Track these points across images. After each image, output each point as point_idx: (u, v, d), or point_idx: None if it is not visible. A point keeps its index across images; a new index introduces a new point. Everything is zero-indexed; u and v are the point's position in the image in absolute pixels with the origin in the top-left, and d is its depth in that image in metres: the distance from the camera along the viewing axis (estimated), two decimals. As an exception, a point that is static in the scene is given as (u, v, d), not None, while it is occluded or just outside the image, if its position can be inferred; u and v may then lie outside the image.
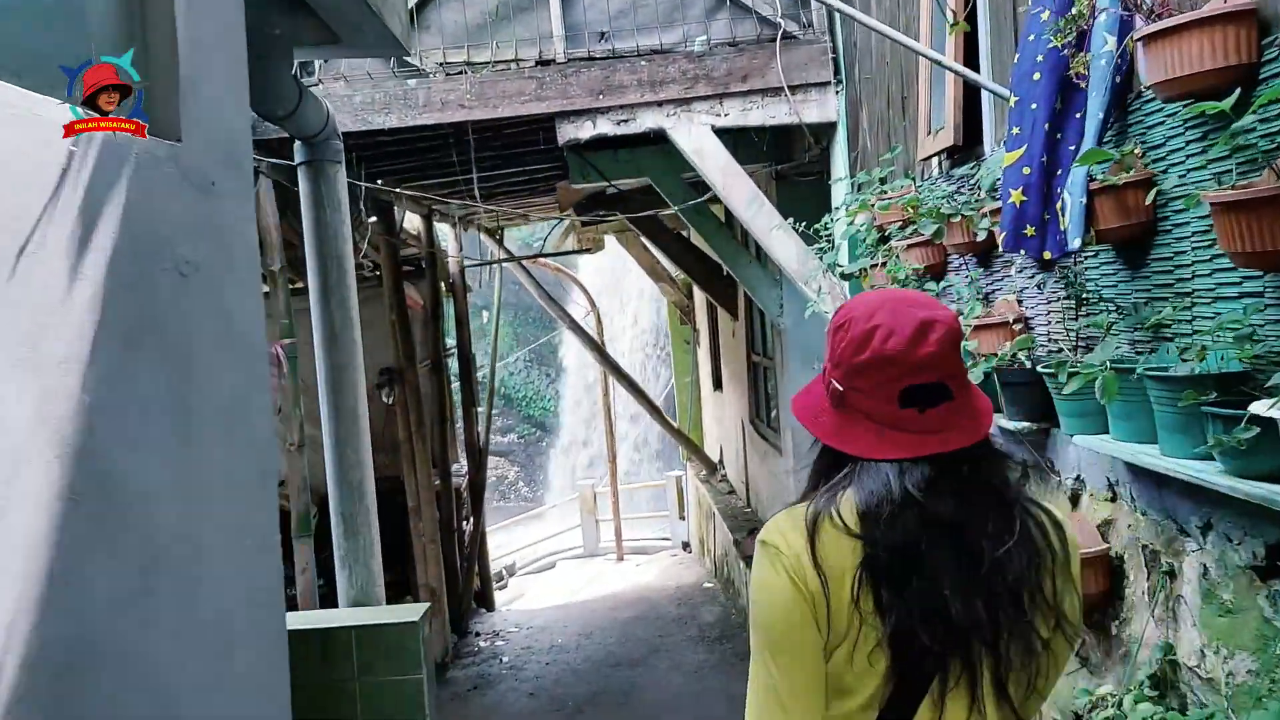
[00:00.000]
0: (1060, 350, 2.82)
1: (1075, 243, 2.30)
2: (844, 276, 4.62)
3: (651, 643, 8.15)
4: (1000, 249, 2.62)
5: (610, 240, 12.32)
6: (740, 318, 9.38)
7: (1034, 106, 2.54)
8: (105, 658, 1.30)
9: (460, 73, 5.10)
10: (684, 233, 9.79)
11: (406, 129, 5.18)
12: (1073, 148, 2.45)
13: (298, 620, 2.99)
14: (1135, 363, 2.23)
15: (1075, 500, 2.74)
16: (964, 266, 3.62)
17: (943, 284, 3.72)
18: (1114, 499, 2.52)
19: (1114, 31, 2.24)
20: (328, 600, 4.70)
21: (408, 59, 5.08)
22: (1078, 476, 2.72)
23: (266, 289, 5.89)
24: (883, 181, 4.33)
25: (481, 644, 8.60)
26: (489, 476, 10.82)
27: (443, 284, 9.41)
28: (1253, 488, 1.77)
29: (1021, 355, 2.93)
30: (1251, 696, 1.91)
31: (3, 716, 1.11)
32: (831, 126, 5.17)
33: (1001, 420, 2.98)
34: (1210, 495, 2.02)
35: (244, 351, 1.67)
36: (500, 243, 10.81)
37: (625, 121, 5.10)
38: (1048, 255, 2.57)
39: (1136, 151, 2.22)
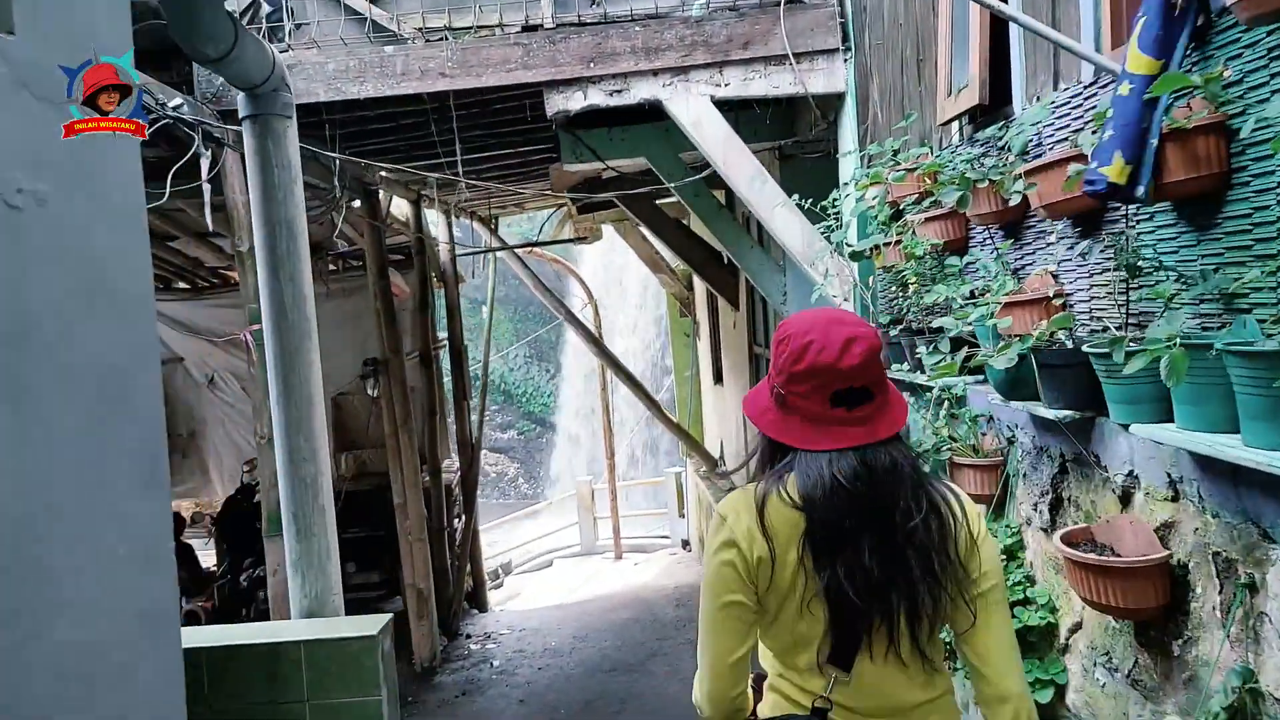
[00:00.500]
0: (1106, 329, 2.47)
1: (1139, 191, 1.95)
2: (853, 256, 4.25)
3: (649, 646, 7.83)
4: (1084, 190, 2.13)
5: (609, 230, 11.96)
6: (741, 308, 9.07)
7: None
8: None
9: (441, 39, 4.75)
10: (684, 220, 9.47)
11: (384, 99, 4.82)
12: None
13: (242, 634, 2.68)
14: (1207, 339, 1.89)
15: (1126, 499, 2.38)
16: (989, 240, 3.27)
17: (965, 259, 3.37)
18: (1176, 498, 2.16)
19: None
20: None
21: (384, 24, 4.74)
22: (1130, 472, 2.36)
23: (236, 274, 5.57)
24: (896, 153, 3.99)
25: (472, 647, 8.26)
26: (488, 473, 10.52)
27: (433, 274, 9.05)
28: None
29: (1061, 334, 2.58)
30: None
31: None
32: (839, 97, 4.80)
33: (1038, 408, 2.63)
34: (1307, 494, 1.68)
35: (119, 313, 1.33)
36: (494, 231, 10.46)
37: (618, 92, 4.75)
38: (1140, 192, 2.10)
39: (1225, 72, 1.86)
